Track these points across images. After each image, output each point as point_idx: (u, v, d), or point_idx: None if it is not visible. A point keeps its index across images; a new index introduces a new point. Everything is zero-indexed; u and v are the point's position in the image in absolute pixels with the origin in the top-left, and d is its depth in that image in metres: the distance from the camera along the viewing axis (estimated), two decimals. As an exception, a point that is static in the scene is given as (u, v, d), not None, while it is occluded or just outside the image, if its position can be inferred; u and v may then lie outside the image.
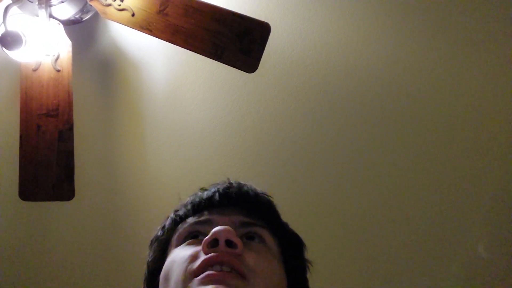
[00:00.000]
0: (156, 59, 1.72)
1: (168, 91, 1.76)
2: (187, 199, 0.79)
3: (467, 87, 1.64)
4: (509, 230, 1.70)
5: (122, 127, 1.81)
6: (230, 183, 0.79)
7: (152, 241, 0.80)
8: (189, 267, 0.64)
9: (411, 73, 1.65)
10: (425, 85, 1.66)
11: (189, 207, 0.77)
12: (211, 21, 1.29)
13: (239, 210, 0.74)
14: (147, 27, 1.33)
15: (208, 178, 1.89)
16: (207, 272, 0.62)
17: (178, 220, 0.76)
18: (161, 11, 1.31)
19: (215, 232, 0.64)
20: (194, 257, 0.65)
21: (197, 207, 0.76)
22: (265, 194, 0.80)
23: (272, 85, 1.71)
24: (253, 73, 1.32)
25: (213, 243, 0.64)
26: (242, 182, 0.80)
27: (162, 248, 0.76)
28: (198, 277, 0.62)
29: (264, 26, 1.28)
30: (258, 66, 1.30)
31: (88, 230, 1.90)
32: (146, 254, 0.80)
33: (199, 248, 0.66)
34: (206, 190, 0.79)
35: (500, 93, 1.63)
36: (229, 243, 0.64)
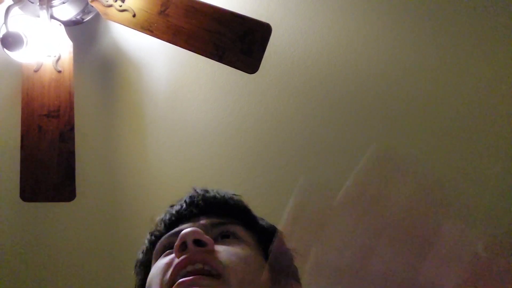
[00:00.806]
0: (157, 59, 1.72)
1: (169, 92, 1.76)
2: (158, 218, 0.81)
3: (467, 87, 1.64)
4: (509, 230, 1.69)
5: (123, 127, 1.81)
6: (196, 192, 0.80)
7: (135, 266, 0.81)
8: (164, 279, 0.65)
9: (412, 73, 1.65)
10: (426, 85, 1.66)
11: (161, 225, 0.78)
12: (212, 22, 1.29)
13: (209, 216, 0.75)
14: (148, 28, 1.33)
15: (208, 179, 1.90)
16: (178, 281, 0.62)
17: (154, 239, 0.78)
18: (162, 12, 1.31)
19: (181, 235, 0.66)
20: (168, 265, 0.67)
21: (169, 223, 0.77)
22: (233, 195, 0.81)
23: (273, 86, 1.71)
24: (254, 74, 1.32)
25: (183, 246, 0.65)
26: (208, 188, 0.81)
27: (145, 270, 0.77)
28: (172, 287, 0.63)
29: (265, 27, 1.28)
30: (259, 67, 1.30)
31: (89, 231, 1.90)
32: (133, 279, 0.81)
33: (172, 256, 0.67)
34: (174, 205, 0.80)
35: (500, 93, 1.63)
36: (198, 243, 0.65)
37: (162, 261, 0.69)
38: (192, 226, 0.71)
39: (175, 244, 0.66)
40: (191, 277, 0.62)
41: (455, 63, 1.62)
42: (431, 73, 1.64)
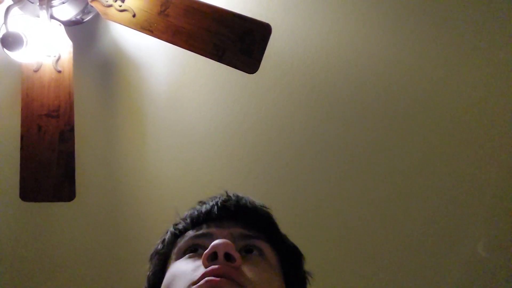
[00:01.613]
0: (156, 60, 1.72)
1: (168, 92, 1.76)
2: (186, 212, 0.80)
3: (467, 88, 1.64)
4: (509, 230, 1.69)
5: (122, 128, 1.81)
6: (228, 196, 0.80)
7: (152, 255, 0.81)
8: (190, 278, 0.65)
9: (412, 73, 1.65)
10: (426, 85, 1.66)
11: (188, 220, 0.78)
12: (212, 22, 1.29)
13: (237, 223, 0.75)
14: (148, 28, 1.33)
15: (208, 179, 1.90)
16: (206, 278, 0.63)
17: (177, 234, 0.77)
18: (162, 12, 1.31)
19: (214, 246, 0.65)
20: (195, 270, 0.66)
21: (196, 221, 0.77)
22: (263, 206, 0.81)
23: (273, 86, 1.71)
24: (254, 74, 1.32)
25: (213, 257, 0.65)
26: (240, 194, 0.81)
27: (162, 262, 0.77)
28: (198, 284, 0.63)
29: (265, 27, 1.28)
30: (259, 67, 1.30)
31: (89, 231, 1.90)
32: (146, 267, 0.81)
33: (198, 262, 0.67)
34: (204, 203, 0.80)
35: (500, 93, 1.63)
36: (227, 257, 0.65)
37: (187, 266, 0.68)
38: (222, 234, 0.71)
39: (205, 252, 0.66)
40: (219, 279, 0.63)
41: (455, 63, 1.62)
42: (431, 72, 1.64)
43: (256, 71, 1.31)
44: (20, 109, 1.51)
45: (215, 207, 0.77)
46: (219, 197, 0.80)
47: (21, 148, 1.53)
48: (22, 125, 1.51)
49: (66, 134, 1.51)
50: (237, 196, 0.80)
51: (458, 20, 1.60)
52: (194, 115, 1.77)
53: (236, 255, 0.66)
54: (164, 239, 0.79)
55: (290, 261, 0.78)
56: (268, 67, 1.64)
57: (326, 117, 1.72)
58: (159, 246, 0.80)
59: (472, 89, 1.64)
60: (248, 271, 0.66)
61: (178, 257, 0.73)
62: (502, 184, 1.68)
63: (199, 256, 0.68)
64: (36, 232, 1.93)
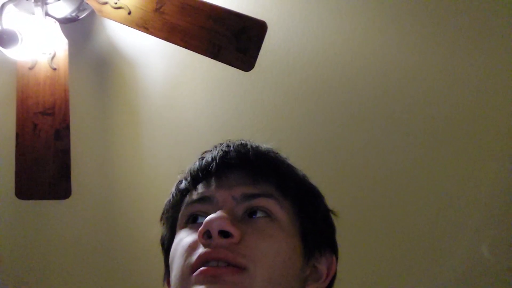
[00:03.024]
0: (152, 57, 1.72)
1: (164, 89, 1.76)
2: (188, 167, 0.75)
3: (467, 88, 1.64)
4: (509, 230, 1.69)
5: (118, 125, 1.81)
6: (228, 146, 0.73)
7: (162, 216, 0.77)
8: (187, 262, 0.63)
9: (409, 72, 1.65)
10: (423, 84, 1.66)
11: (189, 179, 0.73)
12: (208, 19, 1.29)
13: (240, 179, 0.69)
14: (144, 25, 1.33)
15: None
16: (201, 268, 0.61)
17: (180, 195, 0.73)
18: (158, 9, 1.30)
19: (207, 223, 0.62)
20: (192, 248, 0.64)
21: (196, 179, 0.71)
22: (269, 152, 0.75)
23: (268, 84, 1.71)
24: (250, 72, 1.32)
25: (208, 234, 0.62)
26: (244, 141, 0.74)
27: (171, 225, 0.74)
28: (194, 274, 0.61)
29: (261, 25, 1.28)
30: (254, 65, 1.30)
31: (84, 229, 1.90)
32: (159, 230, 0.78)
33: (197, 236, 0.64)
34: (205, 156, 0.74)
35: (500, 93, 1.63)
36: (224, 233, 0.62)
37: (186, 240, 0.66)
38: (222, 198, 0.67)
39: (200, 229, 0.62)
40: (214, 267, 0.60)
41: (452, 62, 1.63)
42: (428, 72, 1.64)
43: (252, 68, 1.31)
44: (15, 107, 1.51)
45: (214, 162, 0.71)
46: (220, 148, 0.73)
47: (16, 146, 1.52)
48: (17, 123, 1.51)
49: (62, 132, 1.50)
50: (239, 145, 0.73)
51: (454, 19, 1.60)
52: (190, 112, 1.77)
53: (232, 229, 0.62)
54: (170, 201, 0.75)
55: (306, 208, 0.72)
56: (264, 64, 1.64)
57: (322, 115, 1.72)
58: (167, 207, 0.76)
59: (471, 89, 1.64)
60: (251, 243, 0.63)
61: (181, 225, 0.70)
62: (504, 184, 1.67)
63: (198, 226, 0.64)
64: (31, 230, 1.93)
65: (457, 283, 1.72)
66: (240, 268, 0.61)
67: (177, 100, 1.76)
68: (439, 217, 1.72)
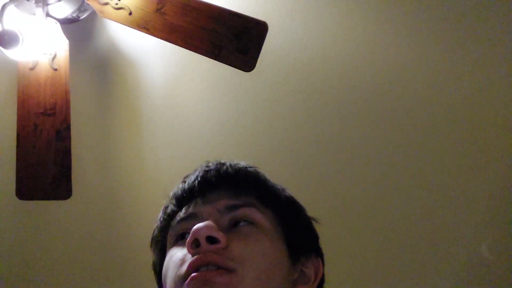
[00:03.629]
0: (153, 58, 1.72)
1: (165, 90, 1.76)
2: (172, 191, 0.78)
3: (466, 87, 1.64)
4: (509, 230, 1.69)
5: (119, 126, 1.81)
6: (208, 166, 0.77)
7: (151, 242, 0.80)
8: (178, 273, 0.65)
9: (409, 72, 1.65)
10: (423, 84, 1.66)
11: (174, 202, 0.76)
12: (209, 20, 1.29)
13: (222, 194, 0.72)
14: (145, 26, 1.33)
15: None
16: (192, 275, 0.62)
17: (167, 218, 0.76)
18: (159, 10, 1.31)
19: (193, 232, 0.64)
20: (182, 261, 0.66)
21: (182, 200, 0.75)
22: (248, 166, 0.78)
23: (269, 84, 1.71)
24: (250, 72, 1.33)
25: (196, 243, 0.65)
26: (222, 160, 0.78)
27: (160, 249, 0.77)
28: (186, 282, 0.63)
29: (262, 25, 1.28)
30: (255, 65, 1.30)
31: (85, 229, 1.90)
32: (149, 255, 0.81)
33: (186, 250, 0.66)
34: (187, 178, 0.78)
35: (501, 92, 1.63)
36: (211, 239, 0.64)
37: (177, 255, 0.68)
38: (206, 212, 0.70)
39: (187, 240, 0.65)
40: (204, 272, 0.62)
41: (452, 62, 1.63)
42: (428, 72, 1.65)
43: (253, 69, 1.31)
44: (16, 107, 1.51)
45: (196, 182, 0.75)
46: (200, 169, 0.77)
47: (17, 147, 1.52)
48: (18, 124, 1.51)
49: (63, 132, 1.51)
50: (218, 164, 0.77)
51: (457, 20, 1.60)
52: (191, 113, 1.77)
53: (219, 235, 0.65)
54: (158, 226, 0.78)
55: (287, 216, 0.75)
56: (265, 65, 1.64)
57: (323, 115, 1.72)
58: (155, 233, 0.79)
59: (471, 89, 1.64)
60: (237, 247, 0.65)
61: (171, 244, 0.72)
62: (504, 184, 1.67)
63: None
64: (32, 231, 1.93)
65: (457, 283, 1.72)
66: (229, 270, 0.63)
67: (177, 100, 1.76)
68: (439, 217, 1.72)
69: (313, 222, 0.81)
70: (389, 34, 1.63)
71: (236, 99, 1.73)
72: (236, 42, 1.28)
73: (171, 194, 0.78)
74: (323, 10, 1.63)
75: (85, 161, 1.81)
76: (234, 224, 0.70)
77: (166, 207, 0.78)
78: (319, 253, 0.79)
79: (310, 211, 1.82)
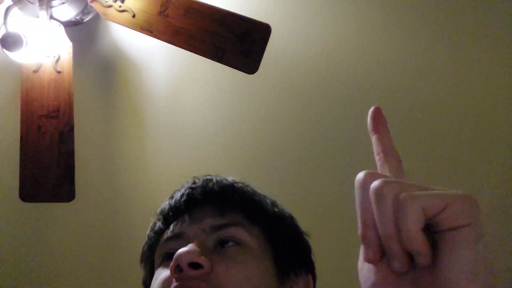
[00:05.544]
0: (156, 60, 1.72)
1: (168, 92, 1.76)
2: (159, 208, 0.78)
3: (469, 88, 1.64)
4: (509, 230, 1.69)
5: (122, 128, 1.81)
6: (194, 183, 0.77)
7: (141, 259, 0.80)
8: None
9: (413, 73, 1.65)
10: (426, 85, 1.66)
11: (161, 220, 0.76)
12: (212, 22, 1.29)
13: (208, 212, 0.72)
14: (148, 28, 1.33)
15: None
16: None
17: (155, 236, 0.76)
18: (162, 12, 1.31)
19: (176, 258, 0.64)
20: (168, 283, 0.65)
21: (168, 218, 0.75)
22: (235, 182, 0.77)
23: (272, 87, 1.71)
24: (254, 75, 1.32)
25: (179, 268, 0.64)
26: (209, 177, 0.78)
27: (149, 266, 0.77)
28: None
29: (265, 27, 1.28)
30: (258, 68, 1.30)
31: (88, 231, 1.90)
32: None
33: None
34: (173, 196, 0.78)
35: (503, 93, 1.63)
36: (194, 265, 0.63)
37: (161, 277, 0.67)
38: (192, 232, 0.69)
39: (170, 265, 0.64)
40: None
41: (455, 63, 1.62)
42: (431, 73, 1.64)
43: (256, 71, 1.31)
44: (19, 110, 1.51)
45: (182, 199, 0.74)
46: (187, 186, 0.77)
47: (20, 149, 1.53)
48: (22, 126, 1.51)
49: (66, 135, 1.51)
50: (204, 181, 0.76)
51: (459, 20, 1.60)
52: (194, 115, 1.77)
53: (202, 260, 0.63)
54: (147, 243, 0.79)
55: (275, 233, 0.74)
56: (268, 67, 1.64)
57: (326, 117, 1.72)
58: (145, 249, 0.79)
59: (472, 89, 1.64)
60: (221, 271, 0.64)
61: (158, 265, 0.72)
62: (504, 184, 1.67)
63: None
64: (36, 233, 1.93)
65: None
66: None
67: (181, 102, 1.76)
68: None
69: (307, 236, 0.80)
70: (394, 36, 1.63)
71: (239, 101, 1.73)
72: (239, 45, 1.28)
73: (158, 211, 0.78)
74: (326, 12, 1.63)
75: (88, 163, 1.82)
76: (221, 244, 0.69)
77: (154, 224, 0.78)
78: (310, 269, 0.78)
79: (314, 210, 1.81)
